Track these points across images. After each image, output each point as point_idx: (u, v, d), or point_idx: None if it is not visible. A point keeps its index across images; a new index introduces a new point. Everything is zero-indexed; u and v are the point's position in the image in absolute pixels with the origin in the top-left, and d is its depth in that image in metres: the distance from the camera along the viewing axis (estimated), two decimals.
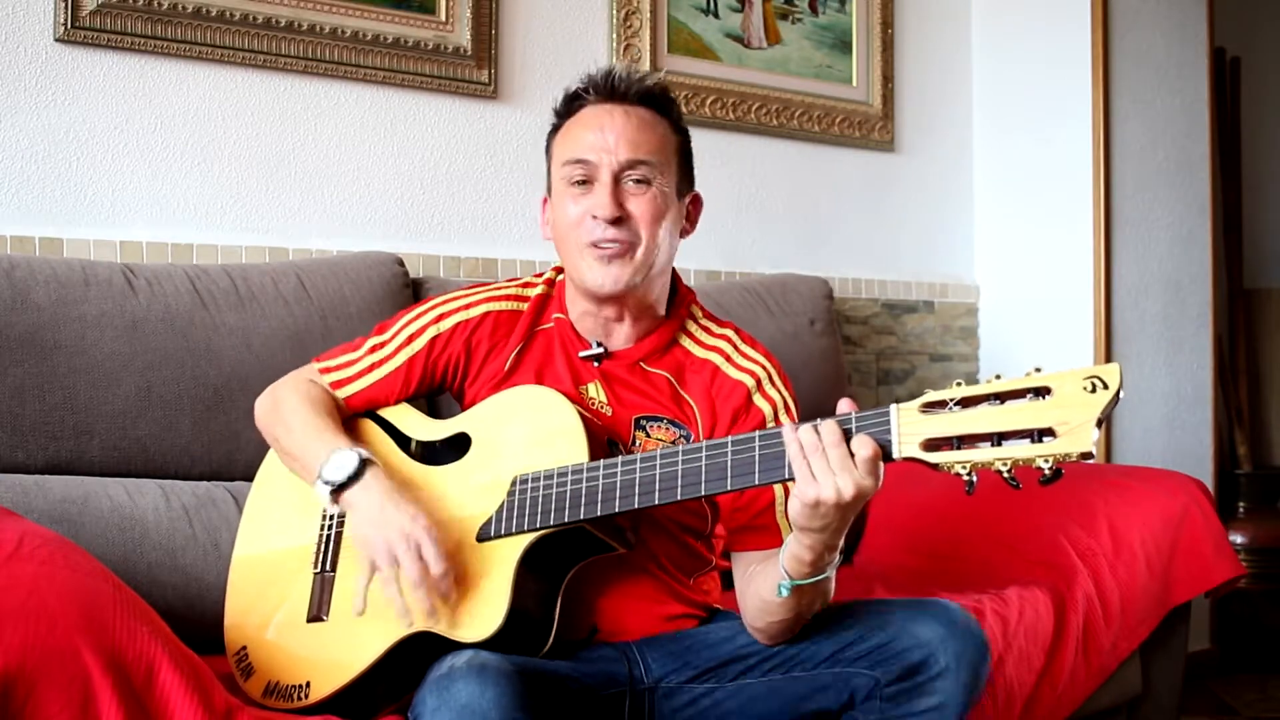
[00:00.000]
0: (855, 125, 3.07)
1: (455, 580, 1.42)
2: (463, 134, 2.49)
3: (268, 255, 2.22)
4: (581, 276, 1.55)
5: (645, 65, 2.69)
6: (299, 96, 2.30)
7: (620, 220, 1.52)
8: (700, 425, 1.57)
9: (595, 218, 1.52)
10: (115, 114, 2.12)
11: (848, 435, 1.25)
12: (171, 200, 2.18)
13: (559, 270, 1.68)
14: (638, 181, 1.54)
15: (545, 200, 1.66)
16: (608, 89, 1.57)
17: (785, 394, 1.59)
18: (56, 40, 2.06)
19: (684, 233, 1.63)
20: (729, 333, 1.65)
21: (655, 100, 1.59)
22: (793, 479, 1.27)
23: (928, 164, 3.24)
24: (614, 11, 2.67)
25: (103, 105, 2.11)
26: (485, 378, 1.63)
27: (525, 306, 1.65)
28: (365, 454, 1.49)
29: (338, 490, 1.47)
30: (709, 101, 2.81)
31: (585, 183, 1.54)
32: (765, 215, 2.94)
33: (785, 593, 1.36)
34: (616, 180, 1.53)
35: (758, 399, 1.57)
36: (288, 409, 1.61)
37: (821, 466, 1.24)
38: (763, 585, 1.43)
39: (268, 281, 2.04)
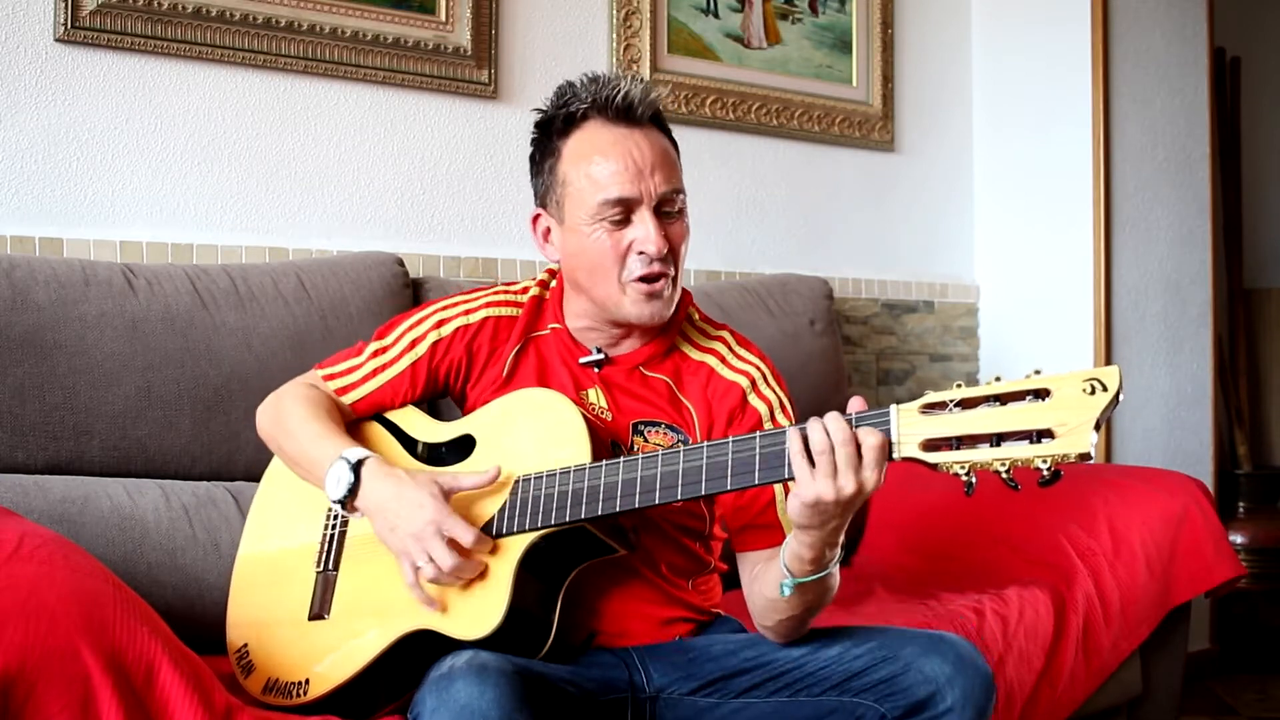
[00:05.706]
0: (855, 125, 3.07)
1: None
2: (463, 134, 2.49)
3: (268, 255, 2.22)
4: (623, 310, 1.53)
5: (645, 65, 2.69)
6: (299, 96, 2.30)
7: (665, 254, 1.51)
8: (698, 428, 1.57)
9: (643, 253, 1.50)
10: (115, 114, 2.12)
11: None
12: (171, 200, 2.18)
13: (552, 273, 1.68)
14: (670, 212, 1.53)
15: (537, 216, 1.61)
16: (623, 111, 1.52)
17: (780, 394, 1.59)
18: (56, 40, 2.06)
19: None
20: (725, 334, 1.65)
21: (659, 118, 1.57)
22: (793, 478, 1.27)
23: (928, 164, 3.24)
24: (614, 11, 2.67)
25: (103, 105, 2.11)
26: (486, 381, 1.63)
27: (520, 312, 1.64)
28: (356, 456, 1.48)
29: (346, 503, 1.48)
30: (709, 101, 2.81)
31: (622, 217, 1.51)
32: (765, 215, 2.94)
33: (788, 591, 1.36)
34: (655, 212, 1.51)
35: (753, 399, 1.57)
36: (289, 415, 1.61)
37: (825, 465, 1.24)
38: (767, 585, 1.43)
39: (268, 281, 2.04)
